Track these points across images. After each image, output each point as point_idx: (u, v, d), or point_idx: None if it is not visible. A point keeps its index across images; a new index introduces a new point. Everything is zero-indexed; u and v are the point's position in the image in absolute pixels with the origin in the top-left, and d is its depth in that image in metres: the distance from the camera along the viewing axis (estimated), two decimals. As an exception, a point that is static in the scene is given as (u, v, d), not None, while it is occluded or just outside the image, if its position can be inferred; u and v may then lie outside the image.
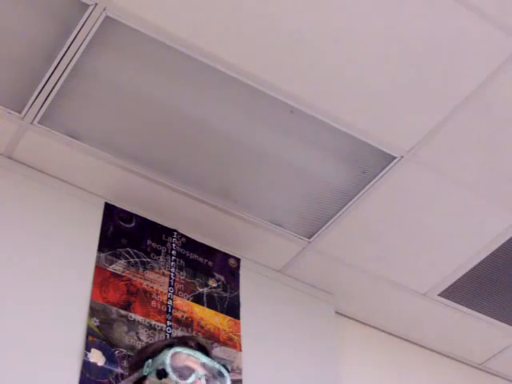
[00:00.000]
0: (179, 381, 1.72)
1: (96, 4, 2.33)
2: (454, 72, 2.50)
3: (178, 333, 2.68)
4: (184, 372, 1.74)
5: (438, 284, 3.20)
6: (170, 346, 1.80)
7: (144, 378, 1.77)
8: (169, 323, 2.68)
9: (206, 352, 1.83)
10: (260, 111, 2.62)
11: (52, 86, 2.54)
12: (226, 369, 1.82)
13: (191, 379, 1.73)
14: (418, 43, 2.42)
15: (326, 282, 3.20)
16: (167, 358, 1.74)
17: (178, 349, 1.77)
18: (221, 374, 1.80)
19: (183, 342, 1.82)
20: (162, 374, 1.72)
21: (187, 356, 1.77)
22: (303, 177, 2.82)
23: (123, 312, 2.62)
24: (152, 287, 2.74)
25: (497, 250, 3.05)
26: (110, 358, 2.48)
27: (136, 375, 1.77)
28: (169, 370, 1.72)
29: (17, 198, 2.68)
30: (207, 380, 1.76)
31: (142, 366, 1.78)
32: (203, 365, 1.78)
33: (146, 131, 2.69)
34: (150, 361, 1.77)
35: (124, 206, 2.88)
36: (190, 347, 1.81)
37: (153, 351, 1.81)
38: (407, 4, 2.33)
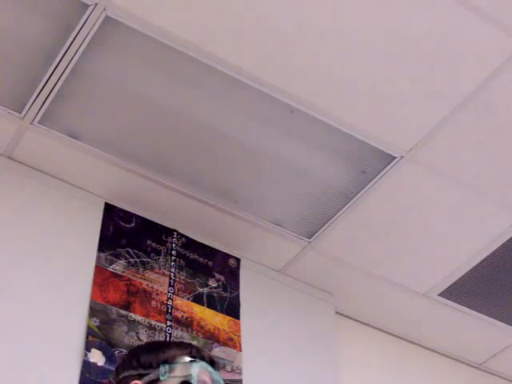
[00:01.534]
0: None
1: (96, 4, 2.33)
2: (454, 72, 2.50)
3: (178, 333, 2.68)
4: None
5: (437, 284, 3.20)
6: (191, 356, 1.84)
7: (157, 380, 1.79)
8: (169, 323, 2.68)
9: (216, 367, 1.89)
10: (260, 111, 2.62)
11: (52, 86, 2.54)
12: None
13: None
14: (418, 43, 2.42)
15: (326, 282, 3.20)
16: (195, 372, 1.79)
17: (202, 363, 1.83)
18: None
19: (201, 355, 1.86)
20: None
21: (205, 371, 1.82)
22: (303, 177, 2.82)
23: (123, 312, 2.62)
24: (152, 287, 2.74)
25: (497, 250, 3.05)
26: (109, 358, 2.48)
27: (152, 376, 1.80)
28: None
29: (17, 198, 2.68)
30: None
31: (154, 367, 1.81)
32: (213, 381, 1.82)
33: (146, 131, 2.69)
34: (167, 366, 1.80)
35: (124, 206, 2.88)
36: (206, 361, 1.86)
37: (172, 357, 1.83)
38: (407, 4, 2.33)
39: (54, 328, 2.47)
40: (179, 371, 1.80)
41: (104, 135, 2.71)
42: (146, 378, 1.80)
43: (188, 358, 1.83)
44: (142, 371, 1.81)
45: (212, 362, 1.88)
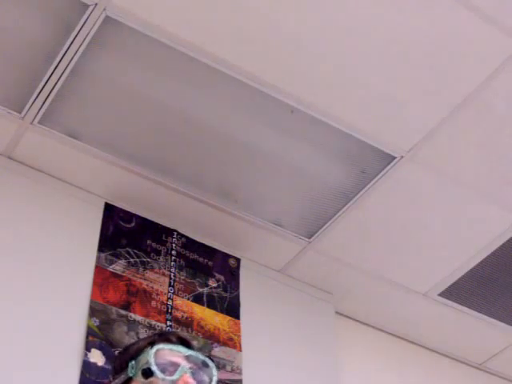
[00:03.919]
0: (166, 377, 1.68)
1: (96, 4, 2.33)
2: (453, 72, 2.50)
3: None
4: (169, 368, 1.70)
5: (437, 284, 3.20)
6: (152, 343, 1.75)
7: (130, 379, 1.72)
8: (169, 323, 2.68)
9: (188, 344, 1.79)
10: (260, 111, 2.62)
11: (52, 86, 2.54)
12: (211, 359, 1.79)
13: (177, 374, 1.69)
14: (418, 43, 2.42)
15: (326, 282, 3.20)
16: (151, 357, 1.70)
17: (160, 345, 1.73)
18: (206, 365, 1.76)
19: (164, 338, 1.78)
20: (147, 373, 1.68)
21: (170, 351, 1.73)
22: (303, 177, 2.82)
23: (123, 312, 2.62)
24: (152, 287, 2.74)
25: (497, 249, 3.05)
26: (109, 358, 2.48)
27: (122, 377, 1.73)
28: (154, 368, 1.68)
29: (17, 198, 2.68)
30: (193, 372, 1.72)
31: (125, 368, 1.74)
32: (187, 358, 1.73)
33: (146, 131, 2.69)
34: (133, 362, 1.73)
35: (124, 206, 2.88)
36: (172, 342, 1.76)
37: (135, 351, 1.76)
38: (407, 4, 2.33)
39: (54, 328, 2.47)
40: (142, 361, 1.71)
41: (104, 135, 2.71)
42: (118, 381, 1.72)
43: (149, 347, 1.73)
44: (117, 376, 1.74)
45: (183, 341, 1.78)
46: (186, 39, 2.42)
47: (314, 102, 2.59)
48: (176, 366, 1.71)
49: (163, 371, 1.69)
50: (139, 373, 1.70)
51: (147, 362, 1.69)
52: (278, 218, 2.97)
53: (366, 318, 3.36)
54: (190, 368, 1.72)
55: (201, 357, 1.76)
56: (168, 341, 1.77)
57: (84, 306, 2.57)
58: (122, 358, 1.78)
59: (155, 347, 1.72)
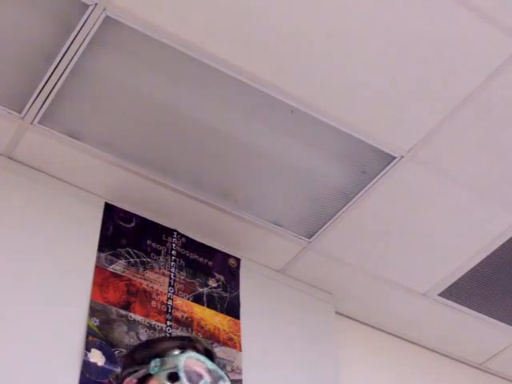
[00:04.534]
0: None
1: (96, 4, 2.33)
2: (454, 72, 2.50)
3: (178, 333, 2.68)
4: (193, 377, 1.77)
5: (437, 284, 3.20)
6: (181, 348, 1.82)
7: (149, 375, 1.78)
8: (169, 323, 2.68)
9: (211, 357, 1.86)
10: (260, 111, 2.62)
11: (52, 86, 2.54)
12: (228, 376, 1.86)
13: None
14: (418, 43, 2.42)
15: (326, 282, 3.20)
16: (181, 363, 1.77)
17: (191, 353, 1.80)
18: (224, 380, 1.82)
19: (192, 345, 1.84)
20: (174, 377, 1.75)
21: (196, 361, 1.80)
22: (303, 177, 2.82)
23: (123, 312, 2.62)
24: (152, 287, 2.74)
25: (497, 250, 3.05)
26: (109, 358, 2.48)
27: (143, 371, 1.79)
28: (182, 374, 1.75)
29: (17, 198, 2.68)
30: None
31: (147, 363, 1.80)
32: (210, 371, 1.80)
33: (146, 131, 2.69)
34: (158, 360, 1.79)
35: (124, 206, 2.88)
36: (199, 352, 1.84)
37: (162, 350, 1.82)
38: (407, 4, 2.33)
39: (54, 328, 2.47)
40: (169, 364, 1.78)
41: (104, 135, 2.71)
42: (137, 374, 1.79)
43: (178, 351, 1.81)
44: (136, 368, 1.81)
45: (208, 353, 1.85)
46: (185, 39, 2.42)
47: (313, 102, 2.59)
48: (200, 377, 1.78)
49: (189, 380, 1.75)
50: (164, 374, 1.77)
51: (176, 367, 1.76)
52: (278, 218, 2.97)
53: (366, 318, 3.36)
54: (211, 382, 1.79)
55: (220, 372, 1.82)
56: (195, 349, 1.84)
57: (84, 306, 2.57)
58: (145, 352, 1.84)
59: (186, 354, 1.79)
